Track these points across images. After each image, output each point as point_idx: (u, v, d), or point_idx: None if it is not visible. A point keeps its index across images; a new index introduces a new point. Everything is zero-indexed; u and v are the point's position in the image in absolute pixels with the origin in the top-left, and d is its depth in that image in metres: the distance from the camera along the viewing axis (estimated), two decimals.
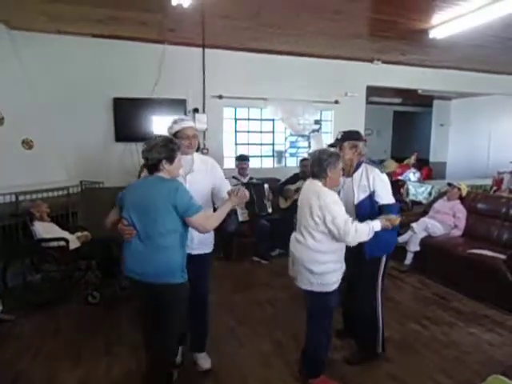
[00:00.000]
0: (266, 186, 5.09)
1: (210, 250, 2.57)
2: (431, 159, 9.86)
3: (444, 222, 4.53)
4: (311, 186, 2.33)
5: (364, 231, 2.21)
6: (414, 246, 4.45)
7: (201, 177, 2.38)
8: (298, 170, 5.39)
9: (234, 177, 5.15)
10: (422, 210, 5.16)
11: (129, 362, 2.65)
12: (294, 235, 2.46)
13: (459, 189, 4.66)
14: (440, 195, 5.07)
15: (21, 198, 4.02)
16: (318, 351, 2.39)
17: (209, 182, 2.44)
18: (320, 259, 2.27)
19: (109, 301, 3.60)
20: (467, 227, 4.47)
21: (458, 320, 3.34)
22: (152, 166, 2.03)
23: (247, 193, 2.27)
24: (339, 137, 2.62)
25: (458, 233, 4.47)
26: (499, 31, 4.60)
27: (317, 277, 2.28)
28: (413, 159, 8.54)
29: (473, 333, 3.12)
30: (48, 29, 4.66)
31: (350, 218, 2.22)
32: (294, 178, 5.31)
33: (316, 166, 2.30)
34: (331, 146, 2.65)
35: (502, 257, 3.65)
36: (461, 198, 4.64)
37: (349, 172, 2.59)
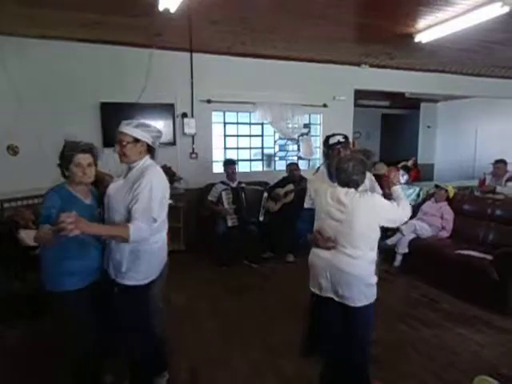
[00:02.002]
0: (265, 194, 5.09)
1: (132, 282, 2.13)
2: (419, 161, 9.96)
3: (432, 223, 4.58)
4: (347, 196, 2.17)
5: (402, 201, 2.24)
6: (403, 248, 4.50)
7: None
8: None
9: (222, 182, 5.15)
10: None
11: None
12: (341, 251, 2.16)
13: (446, 190, 4.72)
14: (428, 197, 5.13)
15: (5, 205, 3.95)
16: (367, 364, 2.28)
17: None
18: (374, 269, 2.21)
19: None
20: (455, 228, 4.53)
21: (446, 321, 3.38)
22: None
23: None
24: (342, 139, 2.61)
25: (445, 234, 4.53)
26: (481, 36, 4.67)
27: (372, 288, 2.18)
28: (410, 163, 8.55)
29: (461, 333, 3.15)
30: (32, 33, 4.58)
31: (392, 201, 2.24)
32: (283, 182, 5.32)
33: (360, 174, 2.18)
34: (334, 145, 2.60)
35: (489, 257, 3.71)
36: (448, 200, 4.70)
37: None
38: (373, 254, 2.19)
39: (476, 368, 2.58)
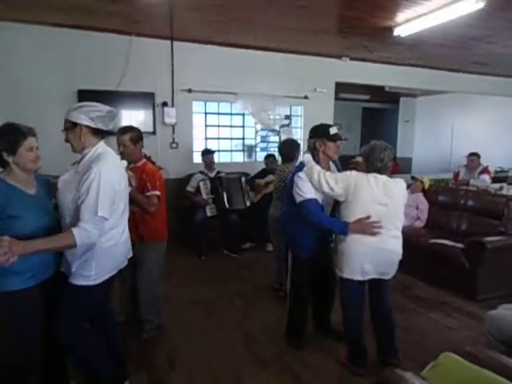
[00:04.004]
0: (243, 179, 5.11)
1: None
2: (398, 154, 10.13)
3: (407, 213, 4.68)
4: (389, 181, 2.40)
5: None
6: None
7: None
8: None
9: (201, 172, 5.14)
10: None
11: None
12: (386, 234, 2.37)
13: (422, 182, 4.84)
14: None
15: None
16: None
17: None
18: None
19: None
20: (429, 218, 4.66)
21: (419, 306, 3.50)
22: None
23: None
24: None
25: (420, 224, 4.65)
26: (458, 31, 4.79)
27: None
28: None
29: (433, 318, 3.27)
30: (4, 17, 4.44)
31: None
32: (263, 173, 5.35)
33: (391, 161, 2.41)
34: (336, 135, 2.59)
35: (461, 246, 3.84)
36: (423, 191, 4.82)
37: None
38: None
39: (444, 349, 2.63)
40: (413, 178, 5.08)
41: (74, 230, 1.74)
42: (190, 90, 5.56)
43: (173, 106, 5.48)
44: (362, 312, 2.56)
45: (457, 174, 5.87)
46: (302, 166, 2.59)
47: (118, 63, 5.06)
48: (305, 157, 2.63)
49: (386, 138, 2.69)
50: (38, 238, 1.72)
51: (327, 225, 2.51)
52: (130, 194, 2.23)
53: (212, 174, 5.11)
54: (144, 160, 2.92)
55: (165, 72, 5.38)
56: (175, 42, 5.32)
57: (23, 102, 4.63)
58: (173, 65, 5.40)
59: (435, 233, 4.38)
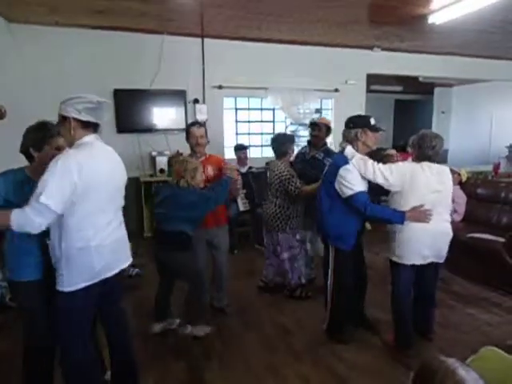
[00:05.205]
0: None
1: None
2: None
3: None
4: (440, 168, 2.52)
5: None
6: None
7: None
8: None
9: None
10: None
11: None
12: (440, 218, 2.51)
13: (459, 174, 4.67)
14: None
15: None
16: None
17: None
18: None
19: None
20: (467, 212, 4.49)
21: (457, 302, 3.40)
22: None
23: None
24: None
25: (457, 218, 4.49)
26: (499, 15, 4.57)
27: None
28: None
29: (471, 314, 3.17)
30: (47, 21, 4.67)
31: None
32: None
33: (435, 148, 2.46)
34: (375, 126, 2.62)
35: (501, 240, 3.69)
36: (461, 184, 4.66)
37: None
38: None
39: (484, 345, 2.59)
40: (450, 170, 4.91)
41: (15, 210, 1.62)
42: (220, 87, 5.63)
43: (204, 102, 5.57)
44: (411, 295, 2.65)
45: (497, 166, 5.62)
46: (344, 159, 2.53)
47: (151, 62, 5.20)
48: (347, 149, 2.56)
49: (419, 131, 2.63)
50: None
51: (386, 216, 2.51)
52: None
53: (244, 170, 5.16)
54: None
55: (196, 69, 5.48)
56: (206, 39, 5.40)
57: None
58: (204, 62, 5.48)
59: (473, 227, 4.23)
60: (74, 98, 1.79)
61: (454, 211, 4.52)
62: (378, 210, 2.53)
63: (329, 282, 2.76)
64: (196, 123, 3.12)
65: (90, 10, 4.31)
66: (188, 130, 3.04)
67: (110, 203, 1.86)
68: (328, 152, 3.57)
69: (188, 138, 3.03)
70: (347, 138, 2.62)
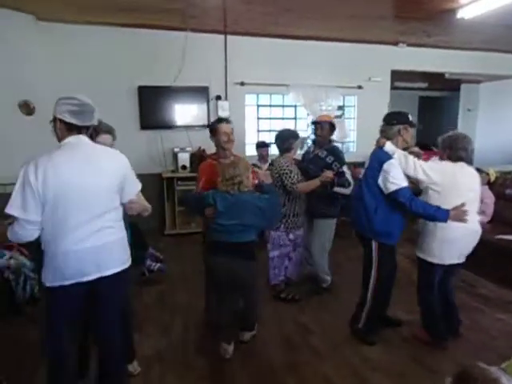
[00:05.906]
0: None
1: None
2: None
3: None
4: (469, 169, 2.56)
5: None
6: None
7: None
8: None
9: (253, 164, 5.18)
10: None
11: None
12: (475, 217, 2.55)
13: (487, 174, 4.53)
14: None
15: None
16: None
17: None
18: None
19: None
20: (495, 213, 4.36)
21: (485, 306, 3.31)
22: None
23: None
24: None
25: (485, 219, 4.35)
26: None
27: None
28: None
29: (500, 319, 3.08)
30: (75, 19, 4.77)
31: None
32: None
33: (468, 150, 2.52)
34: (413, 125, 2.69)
35: None
36: (489, 184, 4.52)
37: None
38: None
39: None
40: (477, 169, 4.76)
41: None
42: (242, 83, 5.63)
43: (226, 99, 5.58)
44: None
45: None
46: (386, 154, 2.51)
47: (175, 59, 5.24)
48: (387, 145, 2.53)
49: (445, 128, 2.63)
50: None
51: (431, 212, 2.46)
52: None
53: (265, 166, 5.14)
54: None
55: (218, 66, 5.49)
56: (228, 36, 5.40)
57: (93, 97, 4.93)
58: (226, 59, 5.49)
59: (502, 228, 4.10)
60: (62, 98, 1.83)
61: (482, 212, 4.40)
62: (423, 206, 2.47)
63: (371, 281, 2.68)
64: (223, 119, 2.95)
65: (115, 7, 4.37)
66: (215, 126, 2.82)
67: (85, 209, 1.76)
68: (333, 151, 3.45)
69: (215, 135, 2.81)
70: (387, 135, 2.61)
